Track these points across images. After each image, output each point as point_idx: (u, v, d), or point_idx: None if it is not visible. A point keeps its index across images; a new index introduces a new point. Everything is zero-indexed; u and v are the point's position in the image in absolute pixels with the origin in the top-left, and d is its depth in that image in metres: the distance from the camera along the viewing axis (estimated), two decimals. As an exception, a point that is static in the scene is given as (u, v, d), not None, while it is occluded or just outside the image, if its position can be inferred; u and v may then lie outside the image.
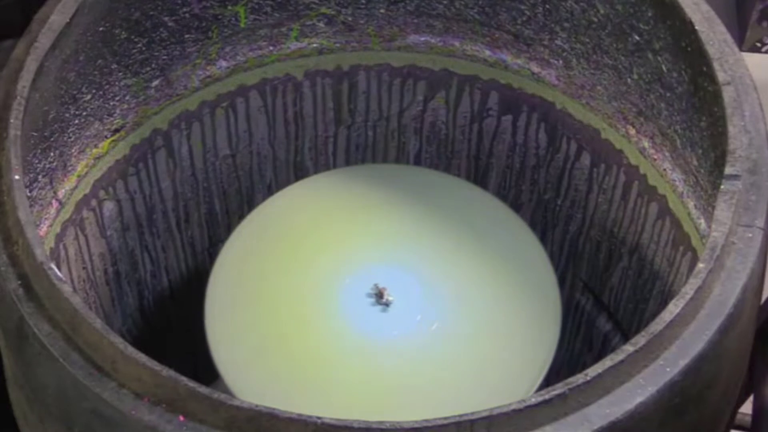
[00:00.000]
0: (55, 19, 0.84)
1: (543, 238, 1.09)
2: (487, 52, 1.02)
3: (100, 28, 0.89)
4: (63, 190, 0.90)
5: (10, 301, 0.72)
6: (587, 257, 1.08)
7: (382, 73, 1.05)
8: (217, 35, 0.99)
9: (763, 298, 0.84)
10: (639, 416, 0.67)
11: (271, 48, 1.02)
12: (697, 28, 0.83)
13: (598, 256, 1.06)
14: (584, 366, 0.89)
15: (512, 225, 0.99)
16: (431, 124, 1.08)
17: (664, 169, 0.94)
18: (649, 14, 0.89)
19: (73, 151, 0.91)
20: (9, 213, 0.75)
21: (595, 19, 0.94)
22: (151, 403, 0.67)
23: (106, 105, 0.93)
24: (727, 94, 0.79)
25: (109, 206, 0.98)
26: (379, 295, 0.92)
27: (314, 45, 1.03)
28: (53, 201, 0.89)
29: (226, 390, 0.87)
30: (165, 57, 0.96)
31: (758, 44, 1.58)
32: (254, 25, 1.00)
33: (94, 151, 0.94)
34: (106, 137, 0.95)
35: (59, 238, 0.90)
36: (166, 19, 0.94)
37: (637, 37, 0.91)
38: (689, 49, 0.85)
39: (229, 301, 0.93)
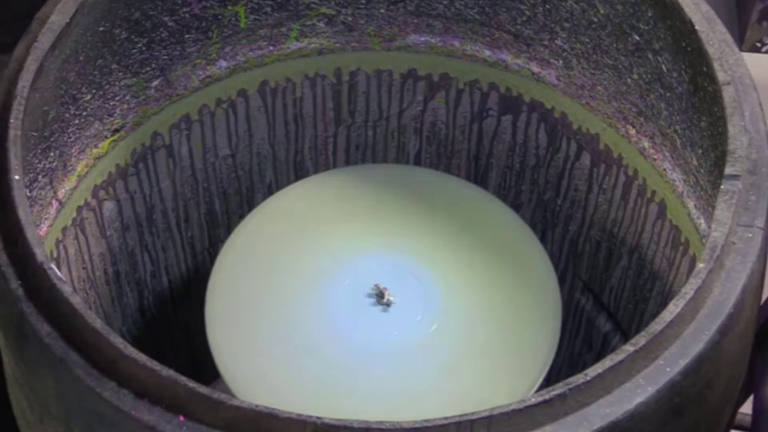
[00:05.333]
0: (55, 19, 0.84)
1: (543, 238, 1.09)
2: (487, 52, 1.02)
3: (100, 28, 0.89)
4: (63, 190, 0.90)
5: (10, 301, 0.72)
6: (587, 257, 1.08)
7: (382, 73, 1.05)
8: (217, 35, 0.99)
9: (763, 298, 0.84)
10: (639, 416, 0.67)
11: (271, 48, 1.02)
12: (697, 28, 0.83)
13: (598, 256, 1.06)
14: (584, 366, 0.89)
15: (512, 225, 0.99)
16: (431, 124, 1.08)
17: (664, 169, 0.94)
18: (649, 14, 0.89)
19: (73, 151, 0.91)
20: (9, 213, 0.75)
21: (595, 19, 0.94)
22: (151, 403, 0.67)
23: (106, 105, 0.94)
24: (727, 94, 0.79)
25: (109, 206, 0.98)
26: (379, 296, 0.92)
27: (314, 45, 1.03)
28: (53, 201, 0.89)
29: (226, 390, 0.87)
30: (165, 57, 0.96)
31: (758, 44, 1.58)
32: (254, 25, 1.00)
33: (94, 151, 0.94)
34: (106, 137, 0.95)
35: (59, 238, 0.90)
36: (166, 19, 0.94)
37: (637, 37, 0.91)
38: (689, 49, 0.85)
39: (229, 301, 0.93)
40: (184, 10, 0.95)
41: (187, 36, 0.97)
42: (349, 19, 1.02)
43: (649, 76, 0.92)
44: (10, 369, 0.77)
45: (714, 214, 0.74)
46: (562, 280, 1.08)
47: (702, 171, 0.88)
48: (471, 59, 1.03)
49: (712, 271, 0.72)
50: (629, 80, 0.94)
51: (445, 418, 0.64)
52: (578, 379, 0.66)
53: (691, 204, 0.91)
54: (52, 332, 0.70)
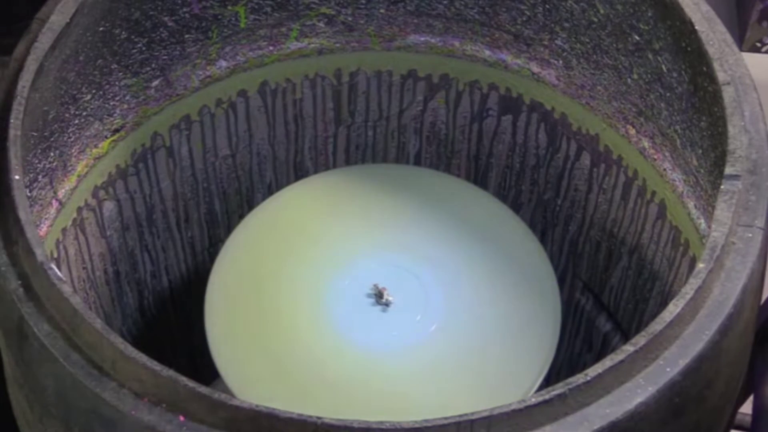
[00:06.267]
0: (55, 19, 0.84)
1: (543, 238, 1.09)
2: (487, 52, 1.02)
3: (100, 28, 0.89)
4: (63, 190, 0.90)
5: (10, 301, 0.72)
6: (587, 257, 1.08)
7: (382, 73, 1.05)
8: (217, 35, 0.99)
9: (763, 298, 0.84)
10: (639, 416, 0.67)
11: (271, 48, 1.02)
12: (697, 28, 0.83)
13: (598, 256, 1.06)
14: (584, 366, 0.89)
15: (512, 225, 0.99)
16: (431, 124, 1.08)
17: (664, 169, 0.94)
18: (649, 14, 0.89)
19: (73, 151, 0.91)
20: (9, 213, 0.75)
21: (595, 19, 0.94)
22: (151, 403, 0.67)
23: (106, 105, 0.94)
24: (727, 94, 0.79)
25: (109, 206, 0.98)
26: (378, 296, 0.92)
27: (314, 45, 1.03)
28: (53, 201, 0.89)
29: (226, 390, 0.87)
30: (165, 57, 0.96)
31: (758, 44, 1.58)
32: (254, 25, 1.00)
33: (94, 151, 0.94)
34: (106, 137, 0.95)
35: (59, 238, 0.90)
36: (166, 19, 0.94)
37: (637, 37, 0.91)
38: (689, 49, 0.85)
39: (229, 301, 0.93)
40: (184, 10, 0.95)
41: (187, 36, 0.97)
42: (349, 19, 1.02)
43: (649, 76, 0.92)
44: (10, 369, 0.77)
45: (714, 214, 0.74)
46: (562, 280, 1.08)
47: (702, 171, 0.88)
48: (471, 59, 1.03)
49: (712, 271, 0.72)
50: (629, 80, 0.94)
51: (445, 418, 0.64)
52: (578, 379, 0.66)
53: (691, 204, 0.91)
54: (52, 332, 0.70)
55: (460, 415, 0.64)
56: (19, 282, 0.72)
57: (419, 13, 1.01)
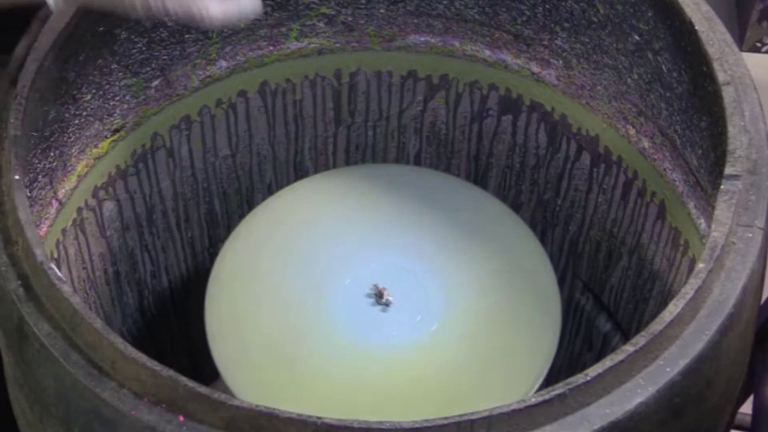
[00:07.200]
0: (55, 19, 0.84)
1: (543, 238, 1.09)
2: (487, 52, 1.02)
3: (100, 28, 0.89)
4: (63, 190, 0.90)
5: (10, 301, 0.72)
6: (587, 257, 1.08)
7: (382, 73, 1.05)
8: (217, 35, 0.99)
9: (763, 298, 0.84)
10: (639, 416, 0.67)
11: (271, 48, 1.02)
12: (697, 28, 0.83)
13: (598, 256, 1.06)
14: (584, 366, 0.89)
15: (512, 225, 0.99)
16: (431, 124, 1.08)
17: (664, 170, 0.94)
18: (649, 14, 0.89)
19: (73, 151, 0.91)
20: (9, 213, 0.75)
21: (595, 19, 0.94)
22: (150, 403, 0.67)
23: (106, 105, 0.94)
24: (727, 94, 0.79)
25: (109, 206, 0.98)
26: (378, 296, 0.92)
27: (314, 45, 1.03)
28: (53, 201, 0.89)
29: (226, 390, 0.87)
30: (165, 57, 0.96)
31: (758, 44, 1.58)
32: (254, 25, 1.00)
33: (94, 151, 0.94)
34: (106, 137, 0.95)
35: (59, 238, 0.90)
36: (166, 18, 0.94)
37: (637, 37, 0.91)
38: (689, 49, 0.85)
39: (229, 300, 0.93)
40: (184, 10, 0.95)
41: (187, 36, 0.97)
42: (349, 19, 1.02)
43: (649, 76, 0.92)
44: (10, 369, 0.77)
45: (714, 214, 0.74)
46: (562, 280, 1.08)
47: (702, 171, 0.88)
48: (471, 59, 1.03)
49: (712, 271, 0.72)
50: (629, 80, 0.94)
51: (445, 418, 0.64)
52: (578, 379, 0.66)
53: (691, 204, 0.91)
54: (52, 332, 0.70)
55: (460, 415, 0.64)
56: (19, 282, 0.72)
57: (419, 13, 1.01)
